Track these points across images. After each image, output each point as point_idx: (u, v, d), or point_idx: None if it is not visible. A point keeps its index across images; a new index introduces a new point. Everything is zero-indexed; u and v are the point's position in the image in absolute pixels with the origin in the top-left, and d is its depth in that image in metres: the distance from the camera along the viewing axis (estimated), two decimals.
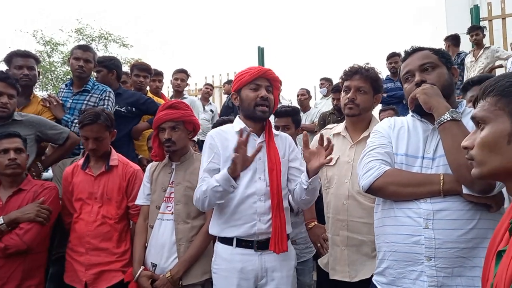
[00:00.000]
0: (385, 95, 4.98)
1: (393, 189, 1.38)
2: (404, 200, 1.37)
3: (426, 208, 1.32)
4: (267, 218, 1.83)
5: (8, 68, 3.02)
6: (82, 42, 14.28)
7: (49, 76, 14.02)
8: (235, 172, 1.70)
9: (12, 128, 2.44)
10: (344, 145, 2.07)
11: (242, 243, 1.84)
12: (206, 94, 6.47)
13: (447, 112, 1.33)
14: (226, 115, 4.73)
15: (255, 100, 1.89)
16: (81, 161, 2.39)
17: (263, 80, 1.92)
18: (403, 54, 1.61)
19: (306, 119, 5.87)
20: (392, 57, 5.21)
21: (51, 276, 2.59)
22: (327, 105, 6.05)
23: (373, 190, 1.43)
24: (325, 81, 6.48)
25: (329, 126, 2.31)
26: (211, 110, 6.26)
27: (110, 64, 3.50)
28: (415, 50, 1.54)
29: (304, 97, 6.07)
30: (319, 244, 2.17)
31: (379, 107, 4.75)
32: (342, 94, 2.09)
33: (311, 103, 6.52)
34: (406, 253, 1.34)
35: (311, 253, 2.62)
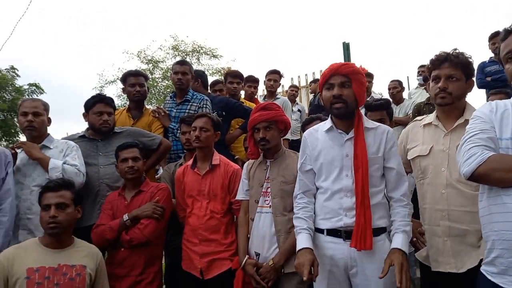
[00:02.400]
0: (489, 78, 4.54)
1: (499, 175, 1.31)
2: None
3: None
4: (353, 213, 1.86)
5: (124, 86, 3.52)
6: (178, 58, 15.50)
7: (152, 91, 15.43)
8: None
9: (114, 139, 2.88)
10: (437, 134, 2.00)
11: (332, 232, 1.92)
12: (292, 96, 6.59)
13: None
14: (315, 113, 4.78)
15: (330, 99, 1.92)
16: (190, 161, 2.68)
17: (336, 77, 1.91)
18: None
19: (400, 111, 5.60)
20: (495, 37, 4.67)
21: (168, 266, 2.94)
22: (422, 95, 5.68)
23: (476, 177, 1.37)
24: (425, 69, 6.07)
25: (418, 118, 2.23)
26: (299, 110, 6.35)
27: (195, 75, 3.83)
28: None
29: (397, 89, 5.77)
30: (414, 239, 2.10)
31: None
32: (431, 84, 1.99)
33: (404, 94, 6.19)
34: None
35: (412, 247, 2.54)
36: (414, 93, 6.34)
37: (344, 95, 1.89)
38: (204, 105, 3.50)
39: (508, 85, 4.30)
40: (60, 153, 2.63)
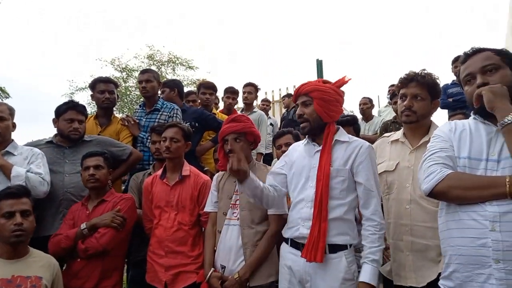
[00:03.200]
0: (451, 99, 4.76)
1: (456, 193, 1.36)
2: (469, 203, 1.35)
3: (492, 211, 1.29)
4: (310, 224, 1.87)
5: (92, 93, 3.43)
6: (153, 67, 15.34)
7: (125, 100, 15.17)
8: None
9: (82, 147, 2.80)
10: (403, 150, 2.07)
11: (293, 243, 1.96)
12: (263, 110, 6.63)
13: (510, 114, 1.30)
14: (287, 127, 4.82)
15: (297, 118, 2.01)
16: (159, 172, 2.63)
17: (300, 97, 2.01)
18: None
19: (369, 128, 5.75)
20: (457, 61, 4.95)
21: (131, 278, 2.85)
22: (391, 113, 5.87)
23: (435, 194, 1.42)
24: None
25: (386, 134, 2.31)
26: (271, 124, 6.39)
27: (172, 84, 3.87)
28: (476, 51, 1.51)
29: (367, 106, 5.96)
30: None
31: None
32: (399, 101, 2.09)
33: (374, 112, 6.38)
34: (473, 256, 1.31)
35: None
36: (384, 111, 6.55)
37: (305, 113, 1.98)
38: (174, 115, 3.48)
39: (467, 106, 4.51)
40: (24, 160, 2.54)
